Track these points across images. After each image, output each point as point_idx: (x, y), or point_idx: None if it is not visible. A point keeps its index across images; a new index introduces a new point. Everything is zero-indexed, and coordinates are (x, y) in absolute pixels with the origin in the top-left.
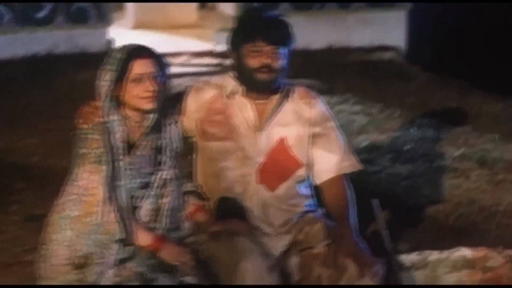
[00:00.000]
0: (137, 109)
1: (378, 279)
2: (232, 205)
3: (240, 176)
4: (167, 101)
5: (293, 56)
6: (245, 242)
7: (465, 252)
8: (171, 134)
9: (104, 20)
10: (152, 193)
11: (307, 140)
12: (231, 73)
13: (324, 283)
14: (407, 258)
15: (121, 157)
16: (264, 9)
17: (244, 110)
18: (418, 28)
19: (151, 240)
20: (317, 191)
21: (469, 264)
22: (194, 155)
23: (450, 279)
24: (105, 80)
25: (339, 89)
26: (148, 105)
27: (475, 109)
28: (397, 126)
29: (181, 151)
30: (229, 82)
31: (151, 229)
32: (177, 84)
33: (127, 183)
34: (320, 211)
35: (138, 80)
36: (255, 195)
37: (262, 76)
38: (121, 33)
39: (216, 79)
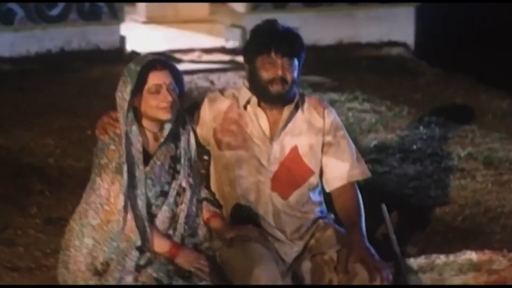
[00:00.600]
0: (155, 119)
1: (388, 283)
2: (246, 212)
3: (254, 184)
4: (182, 111)
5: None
6: (259, 248)
7: (471, 255)
8: (187, 143)
9: (117, 17)
10: (169, 201)
11: (319, 149)
12: (245, 84)
13: None
14: (415, 262)
15: (139, 166)
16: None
17: (258, 120)
18: (427, 24)
19: (168, 246)
20: (327, 197)
21: (475, 267)
22: (209, 164)
23: (456, 281)
24: (123, 92)
25: (349, 86)
26: (165, 115)
27: (482, 106)
28: (405, 125)
29: (196, 159)
30: (244, 92)
31: (168, 236)
32: (188, 81)
33: (145, 192)
34: (331, 217)
35: (155, 91)
36: (268, 203)
37: (275, 88)
38: (133, 28)
39: (231, 89)
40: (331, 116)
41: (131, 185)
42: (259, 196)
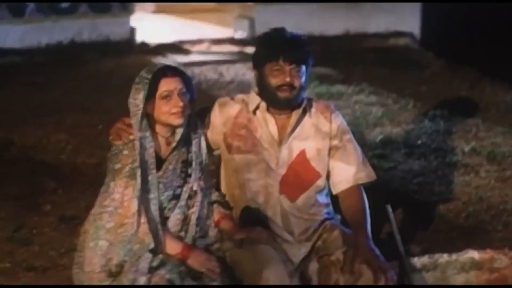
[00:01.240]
0: (167, 125)
1: (392, 284)
2: (256, 214)
3: (263, 187)
4: (194, 116)
5: (310, 43)
6: (268, 250)
7: (473, 254)
8: (198, 147)
9: (127, 8)
10: (181, 204)
11: (326, 152)
12: (255, 89)
13: None
14: (419, 261)
15: (152, 171)
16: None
17: (267, 124)
18: (433, 15)
19: (180, 248)
20: (335, 198)
21: (476, 265)
22: (219, 167)
23: (459, 280)
24: (136, 99)
25: (356, 78)
26: (177, 121)
27: (486, 100)
28: (410, 119)
29: (207, 163)
30: (253, 97)
31: (179, 238)
32: (197, 73)
33: (158, 196)
34: (338, 218)
35: (167, 97)
36: (277, 205)
37: (284, 94)
38: (143, 19)
39: (240, 95)
40: (337, 121)
41: (144, 190)
42: (267, 199)
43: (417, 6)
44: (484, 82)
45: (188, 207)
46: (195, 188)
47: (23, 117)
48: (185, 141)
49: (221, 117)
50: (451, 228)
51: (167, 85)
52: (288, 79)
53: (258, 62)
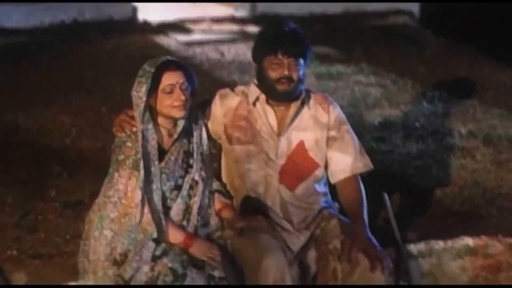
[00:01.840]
0: (169, 117)
1: (388, 272)
2: (256, 203)
3: (263, 177)
4: (195, 108)
5: (311, 22)
6: (267, 238)
7: (468, 241)
8: (200, 138)
9: None
10: (183, 194)
11: (324, 143)
12: (254, 81)
13: (339, 275)
14: (415, 248)
15: (155, 162)
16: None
17: (266, 116)
18: None
19: (183, 237)
20: (333, 187)
21: (471, 251)
22: (220, 157)
23: (454, 265)
24: (138, 92)
25: (355, 58)
26: (179, 113)
27: (484, 80)
28: (409, 100)
29: (208, 153)
30: (253, 90)
31: (182, 227)
32: (199, 53)
33: (160, 187)
34: (336, 206)
35: (169, 90)
36: (276, 194)
37: (282, 87)
38: None
39: (240, 86)
40: (335, 112)
41: (147, 180)
42: (267, 188)
43: None
44: (483, 62)
45: (190, 197)
46: (196, 178)
47: (28, 99)
48: (187, 133)
49: (222, 108)
50: (447, 214)
51: (170, 79)
52: (286, 73)
53: (258, 55)
